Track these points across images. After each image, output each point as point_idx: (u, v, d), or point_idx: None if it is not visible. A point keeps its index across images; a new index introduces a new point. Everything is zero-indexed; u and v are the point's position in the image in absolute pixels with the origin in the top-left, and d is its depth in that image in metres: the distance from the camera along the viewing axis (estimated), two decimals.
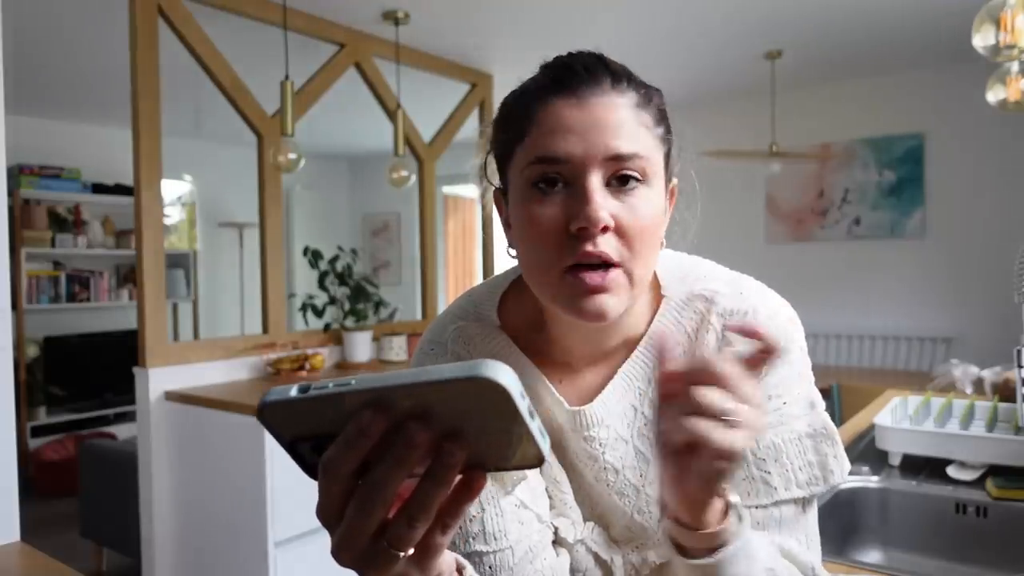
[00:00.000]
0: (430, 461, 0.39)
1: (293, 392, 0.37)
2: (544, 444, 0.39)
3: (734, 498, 0.57)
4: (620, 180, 0.62)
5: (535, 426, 0.38)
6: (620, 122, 0.62)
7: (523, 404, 0.36)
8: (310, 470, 0.42)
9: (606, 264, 0.61)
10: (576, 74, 0.63)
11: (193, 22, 2.62)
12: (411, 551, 0.42)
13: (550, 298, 0.65)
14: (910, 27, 3.43)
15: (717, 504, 0.55)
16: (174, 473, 2.56)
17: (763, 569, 0.59)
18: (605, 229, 0.61)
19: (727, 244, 4.14)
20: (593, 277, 0.61)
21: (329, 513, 0.41)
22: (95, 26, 3.16)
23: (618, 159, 0.61)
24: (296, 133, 2.55)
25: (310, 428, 0.39)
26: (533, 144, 0.63)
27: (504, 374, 0.35)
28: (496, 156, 0.70)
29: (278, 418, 0.39)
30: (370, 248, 6.67)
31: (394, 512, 0.40)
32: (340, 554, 0.41)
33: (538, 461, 0.40)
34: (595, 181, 0.61)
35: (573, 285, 0.62)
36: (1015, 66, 1.77)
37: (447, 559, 0.47)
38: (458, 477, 0.40)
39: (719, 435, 0.48)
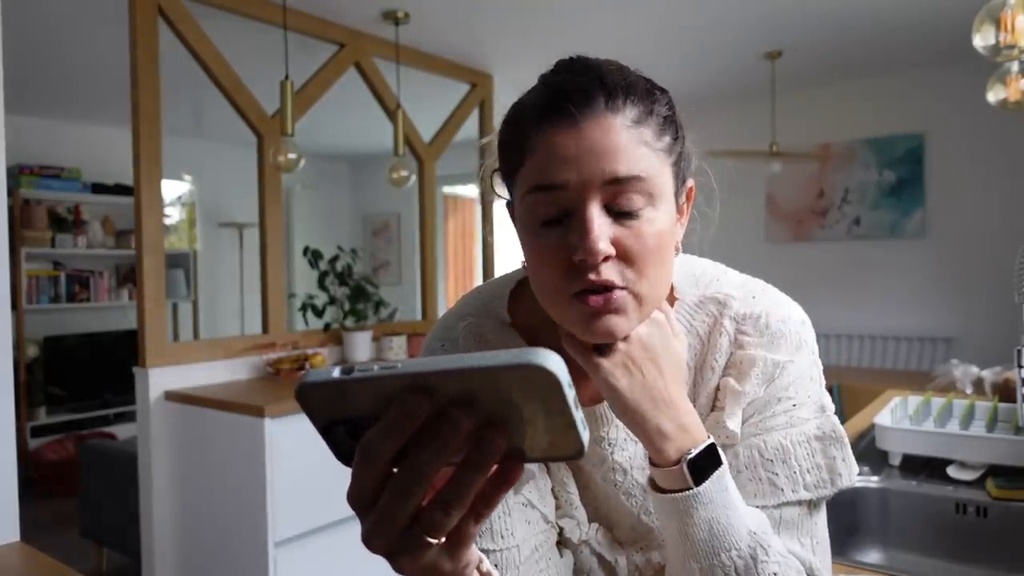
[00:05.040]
0: (470, 448, 0.39)
1: (336, 373, 0.37)
2: (585, 435, 0.39)
3: (692, 453, 0.61)
4: (623, 205, 0.60)
5: (579, 417, 0.37)
6: (617, 146, 0.59)
7: (570, 394, 0.36)
8: (343, 456, 0.42)
9: (611, 286, 0.61)
10: (569, 98, 0.60)
11: (193, 22, 2.62)
12: (443, 539, 0.42)
13: (560, 321, 0.65)
14: (910, 27, 3.43)
15: (677, 447, 0.61)
16: (174, 473, 2.56)
17: (747, 530, 0.61)
18: (607, 259, 0.60)
19: (727, 244, 4.12)
20: (596, 300, 0.60)
21: (363, 498, 0.41)
22: (95, 26, 3.16)
23: (616, 182, 0.59)
24: (296, 133, 2.55)
25: (348, 411, 0.39)
26: (530, 172, 0.62)
27: (554, 362, 0.35)
28: (501, 174, 0.69)
29: (316, 400, 0.39)
30: (370, 248, 6.67)
31: (428, 500, 0.40)
32: (372, 540, 0.41)
33: (578, 453, 0.39)
34: (594, 209, 0.59)
35: (580, 310, 0.61)
36: (1015, 66, 1.77)
37: (474, 550, 0.48)
38: (494, 466, 0.40)
39: None
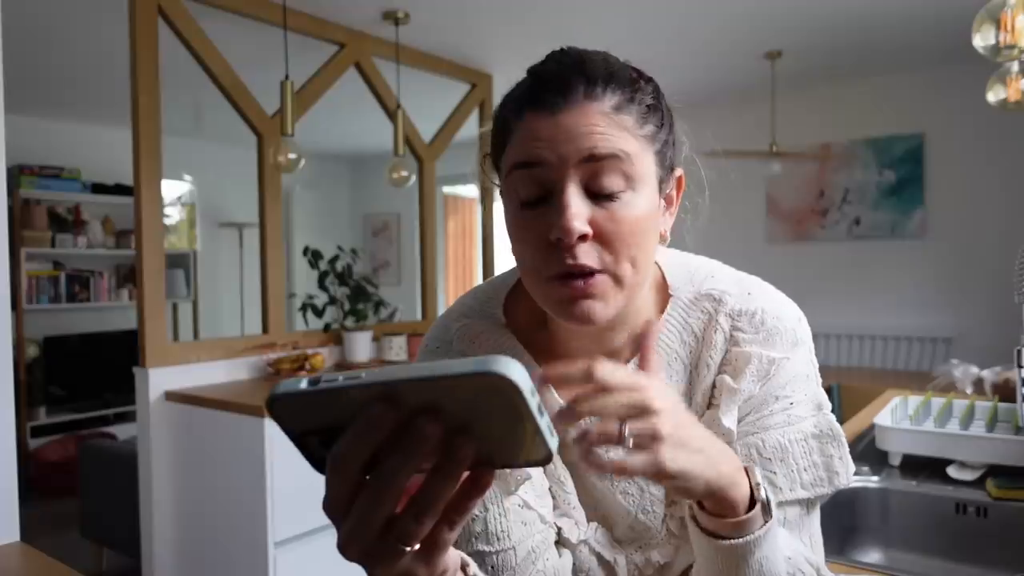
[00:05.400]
0: (438, 456, 0.39)
1: (303, 385, 0.37)
2: (553, 442, 0.39)
3: (761, 489, 0.57)
4: (602, 186, 0.61)
5: (544, 423, 0.38)
6: (594, 129, 0.60)
7: (533, 401, 0.36)
8: (318, 464, 0.42)
9: (589, 271, 0.61)
10: (548, 86, 0.62)
11: (193, 22, 2.62)
12: (417, 546, 0.42)
13: (541, 302, 0.66)
14: (910, 27, 3.43)
15: (742, 493, 0.56)
16: (174, 473, 2.56)
17: (784, 559, 0.60)
18: (584, 238, 0.60)
19: (727, 244, 4.13)
20: (576, 284, 0.61)
21: (337, 507, 0.41)
22: (95, 26, 3.16)
23: (593, 159, 0.60)
24: (296, 133, 2.55)
25: (319, 421, 0.39)
26: (512, 153, 0.64)
27: (515, 370, 0.35)
28: (492, 162, 0.71)
29: (287, 411, 0.39)
30: (370, 248, 6.67)
31: (401, 507, 0.40)
32: (347, 548, 0.42)
33: (546, 459, 0.40)
34: (572, 189, 0.60)
35: (560, 293, 0.62)
36: (1015, 66, 1.77)
37: (452, 556, 0.48)
38: (465, 474, 0.40)
39: (632, 462, 0.49)
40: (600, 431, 0.48)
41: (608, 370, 0.48)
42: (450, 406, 0.37)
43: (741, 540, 0.56)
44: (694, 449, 0.52)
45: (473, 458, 0.39)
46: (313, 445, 0.41)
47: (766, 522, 0.57)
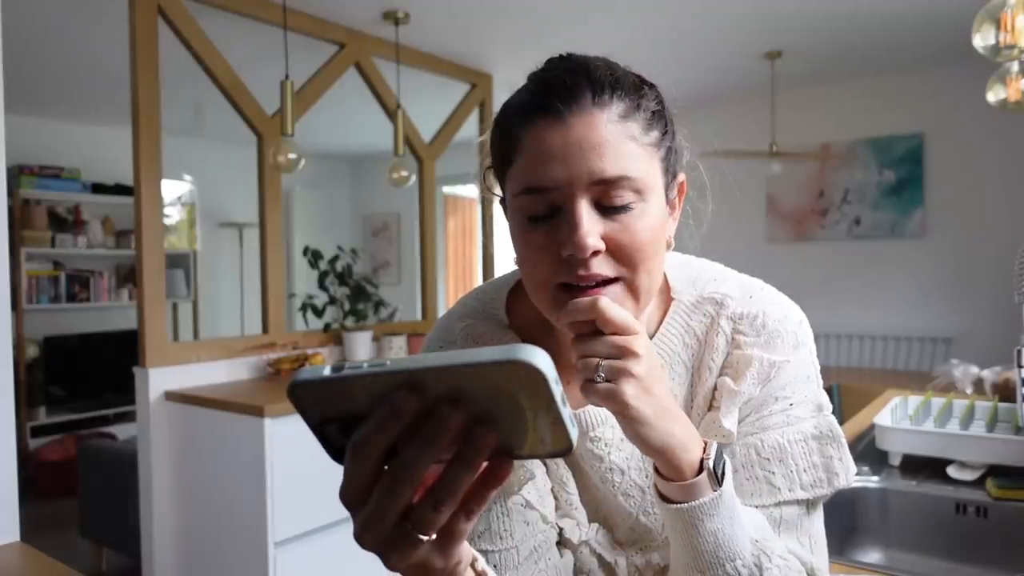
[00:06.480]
0: (459, 445, 0.39)
1: (326, 371, 0.37)
2: (573, 432, 0.39)
3: (710, 460, 0.59)
4: (612, 201, 0.60)
5: (567, 414, 0.38)
6: (603, 141, 0.59)
7: (557, 390, 0.36)
8: (336, 453, 0.42)
9: (603, 280, 0.61)
10: (555, 93, 0.61)
11: (193, 22, 2.62)
12: (434, 536, 0.42)
13: (547, 312, 0.65)
14: (910, 27, 3.43)
15: (692, 457, 0.58)
16: (174, 473, 2.56)
17: (749, 539, 0.61)
18: (596, 253, 0.60)
19: (728, 244, 4.13)
20: (594, 293, 0.60)
21: (355, 495, 0.41)
22: (95, 26, 3.16)
23: (603, 183, 0.60)
24: (296, 133, 2.55)
25: (340, 409, 0.39)
26: (520, 171, 0.62)
27: (541, 359, 0.35)
28: (494, 172, 0.70)
29: (308, 398, 0.39)
30: (370, 248, 6.67)
31: (419, 497, 0.40)
32: (363, 536, 0.41)
33: (566, 449, 0.40)
34: (583, 206, 0.59)
35: (566, 301, 0.60)
36: (1015, 66, 1.77)
37: (465, 549, 0.48)
38: (484, 463, 0.40)
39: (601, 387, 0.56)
40: (582, 364, 0.56)
41: (610, 307, 0.56)
42: (473, 394, 0.37)
43: (686, 505, 0.58)
44: (657, 402, 0.57)
45: (494, 447, 0.39)
46: (332, 433, 0.41)
47: (715, 492, 0.58)
